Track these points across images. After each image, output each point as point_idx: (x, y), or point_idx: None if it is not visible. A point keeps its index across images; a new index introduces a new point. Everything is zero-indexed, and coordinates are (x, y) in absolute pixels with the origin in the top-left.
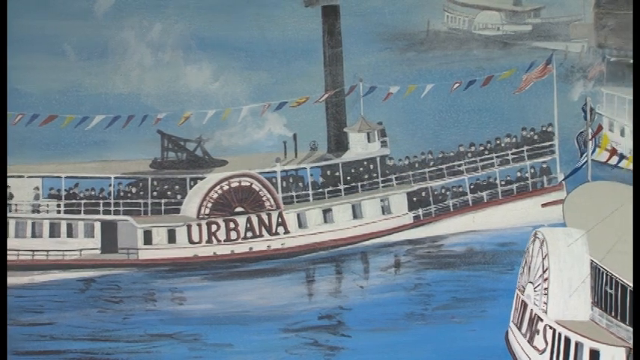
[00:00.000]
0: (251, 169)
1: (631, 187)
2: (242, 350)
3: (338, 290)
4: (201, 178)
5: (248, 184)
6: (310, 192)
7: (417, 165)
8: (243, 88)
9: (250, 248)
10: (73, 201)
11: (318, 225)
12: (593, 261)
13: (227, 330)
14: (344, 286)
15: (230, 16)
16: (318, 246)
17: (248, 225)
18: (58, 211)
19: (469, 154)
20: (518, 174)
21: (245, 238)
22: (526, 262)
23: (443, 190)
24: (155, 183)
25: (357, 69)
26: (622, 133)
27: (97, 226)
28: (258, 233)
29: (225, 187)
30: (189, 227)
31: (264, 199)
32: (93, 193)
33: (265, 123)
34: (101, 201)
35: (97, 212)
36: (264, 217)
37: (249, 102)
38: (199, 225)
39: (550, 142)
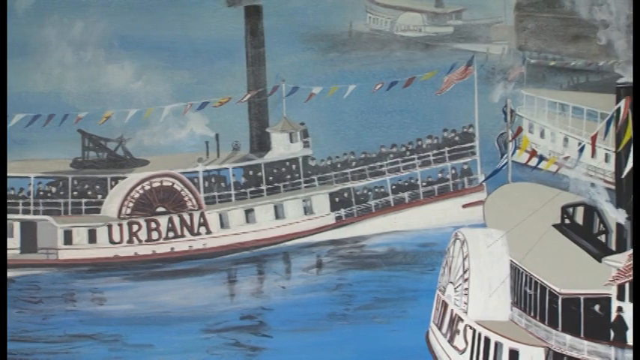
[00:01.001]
0: (173, 169)
1: (550, 189)
2: (163, 351)
3: (260, 290)
4: (123, 178)
5: (170, 184)
6: (232, 192)
7: (339, 165)
8: (166, 87)
9: (172, 248)
10: None
11: (240, 225)
12: (512, 261)
13: (148, 330)
14: (266, 287)
15: (152, 15)
16: (240, 246)
17: (170, 225)
18: None
19: (391, 155)
20: (440, 175)
21: (167, 238)
22: (447, 262)
23: (365, 191)
24: (75, 182)
25: (279, 69)
26: (542, 135)
27: (17, 225)
28: (179, 233)
29: (147, 187)
30: (110, 227)
31: (185, 199)
32: (12, 192)
33: (187, 123)
34: (20, 200)
35: (17, 212)
36: (186, 217)
37: (172, 101)
38: (120, 225)
39: (471, 144)
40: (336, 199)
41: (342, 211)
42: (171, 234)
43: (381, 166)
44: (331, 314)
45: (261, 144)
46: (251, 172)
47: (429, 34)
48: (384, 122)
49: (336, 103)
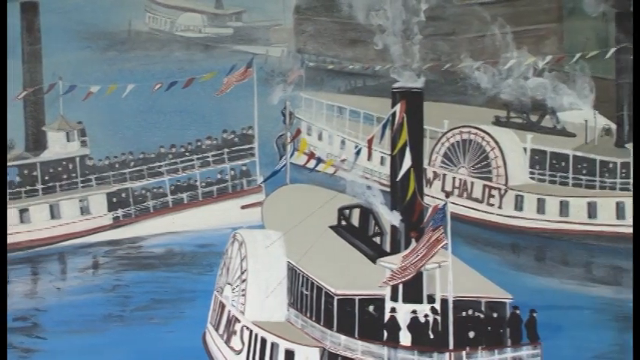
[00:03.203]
0: None
1: (327, 190)
2: None
3: (34, 291)
4: None
5: None
6: (7, 191)
7: (117, 165)
8: None
9: None
10: None
11: (14, 225)
12: (290, 262)
13: None
14: (40, 288)
15: None
16: (13, 247)
17: None
18: None
19: (170, 156)
20: (219, 176)
21: None
22: (225, 263)
23: (143, 191)
24: None
25: (56, 67)
26: (320, 137)
27: None
28: None
29: None
30: None
31: None
32: None
33: None
34: None
35: None
36: None
37: None
38: None
39: (250, 145)
40: (114, 200)
41: (120, 212)
42: None
43: (160, 167)
44: (107, 315)
45: (36, 142)
46: (26, 171)
47: (209, 35)
48: (163, 122)
49: (114, 102)
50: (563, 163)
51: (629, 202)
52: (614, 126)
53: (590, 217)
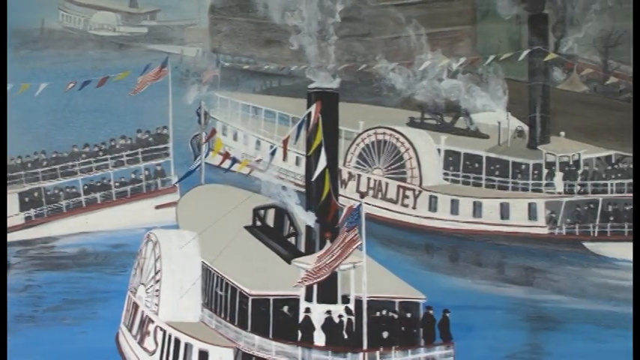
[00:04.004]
0: None
1: (243, 191)
2: None
3: None
4: None
5: None
6: None
7: (29, 165)
8: None
9: None
10: None
11: None
12: (204, 263)
13: None
14: None
15: None
16: None
17: None
18: None
19: (83, 155)
20: (133, 175)
21: None
22: (139, 263)
23: (56, 191)
24: None
25: None
26: (235, 138)
27: None
28: None
29: None
30: None
31: None
32: None
33: None
34: None
35: None
36: None
37: None
38: None
39: (165, 145)
40: (26, 199)
41: (32, 211)
42: None
43: (73, 166)
44: (19, 316)
45: None
46: None
47: (124, 34)
48: (77, 122)
49: (27, 101)
50: (476, 165)
51: (540, 203)
52: (526, 128)
53: (502, 217)
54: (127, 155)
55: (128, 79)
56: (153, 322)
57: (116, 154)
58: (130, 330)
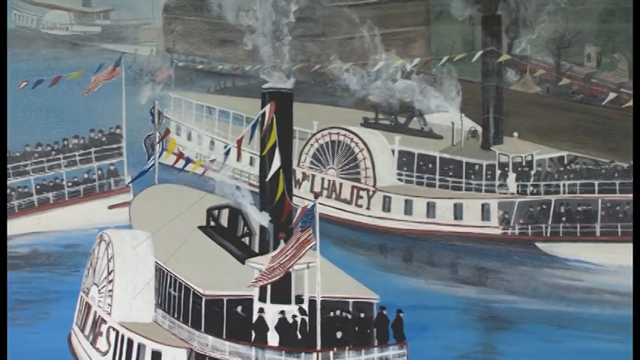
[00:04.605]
0: None
1: (197, 191)
2: None
3: None
4: None
5: None
6: None
7: None
8: None
9: None
10: None
11: None
12: (158, 263)
13: None
14: None
15: None
16: None
17: None
18: None
19: (36, 155)
20: (86, 175)
21: None
22: (91, 263)
23: (8, 191)
24: None
25: None
26: (189, 138)
27: None
28: None
29: None
30: None
31: None
32: None
33: None
34: None
35: None
36: None
37: None
38: None
39: (118, 144)
40: None
41: None
42: None
43: (25, 166)
44: None
45: None
46: None
47: (77, 33)
48: (29, 121)
49: None
50: (430, 165)
51: (493, 204)
52: (479, 128)
53: (456, 218)
54: (79, 155)
55: (81, 78)
56: (106, 322)
57: (69, 154)
58: (82, 330)
